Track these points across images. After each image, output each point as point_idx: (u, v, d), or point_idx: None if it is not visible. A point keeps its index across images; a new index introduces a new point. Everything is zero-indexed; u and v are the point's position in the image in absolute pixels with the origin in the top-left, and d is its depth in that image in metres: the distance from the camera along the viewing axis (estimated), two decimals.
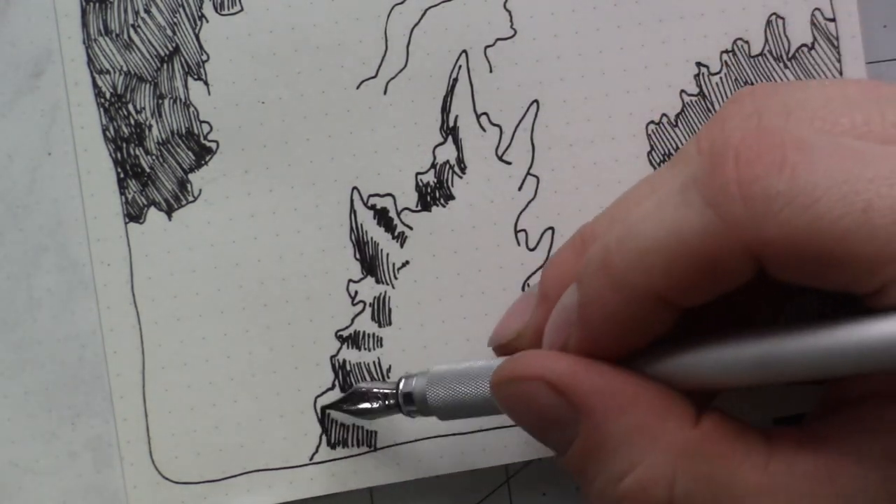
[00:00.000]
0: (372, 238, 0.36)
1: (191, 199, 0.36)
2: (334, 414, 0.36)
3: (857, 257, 0.23)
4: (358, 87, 0.37)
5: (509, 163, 0.36)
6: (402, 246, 0.36)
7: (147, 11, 0.36)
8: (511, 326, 0.32)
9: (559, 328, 0.29)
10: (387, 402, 0.33)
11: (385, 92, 0.37)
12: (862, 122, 0.26)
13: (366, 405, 0.34)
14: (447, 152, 0.36)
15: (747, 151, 0.24)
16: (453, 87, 0.37)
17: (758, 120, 0.27)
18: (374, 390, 0.34)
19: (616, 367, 0.27)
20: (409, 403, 0.32)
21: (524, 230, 0.36)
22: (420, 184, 0.36)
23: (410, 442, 0.36)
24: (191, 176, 0.36)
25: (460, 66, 0.37)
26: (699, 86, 0.37)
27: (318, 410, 0.36)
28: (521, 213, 0.36)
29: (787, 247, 0.23)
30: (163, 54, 0.36)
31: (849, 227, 0.23)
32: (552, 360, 0.28)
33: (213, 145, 0.36)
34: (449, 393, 0.31)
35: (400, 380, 0.33)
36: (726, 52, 0.37)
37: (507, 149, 0.37)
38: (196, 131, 0.36)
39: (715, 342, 0.26)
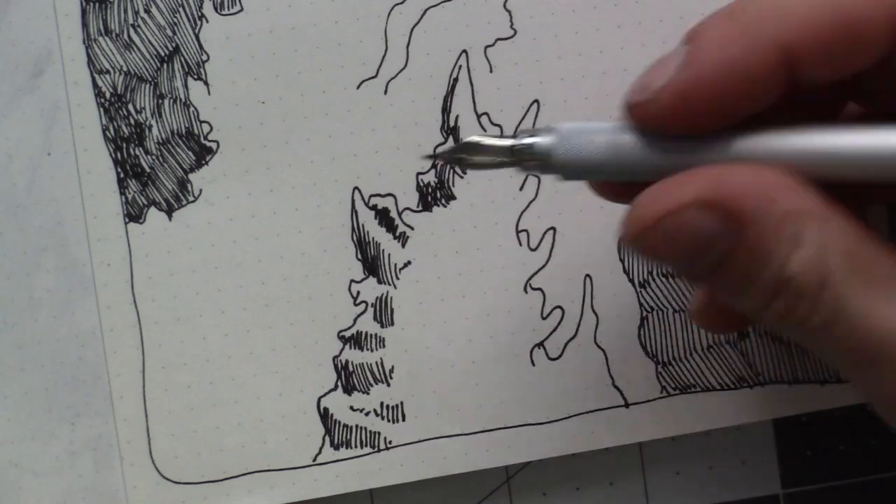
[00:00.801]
0: (373, 238, 0.36)
1: (191, 199, 0.36)
2: (342, 416, 0.36)
3: None
4: (358, 87, 0.37)
5: None
6: (403, 246, 0.36)
7: (147, 11, 0.36)
8: (653, 84, 0.27)
9: (660, 69, 0.27)
10: (506, 152, 0.28)
11: (385, 92, 0.37)
12: None
13: (482, 157, 0.29)
14: None
15: None
16: (454, 87, 0.37)
17: None
18: (489, 142, 0.29)
19: (747, 164, 0.26)
20: (530, 157, 0.28)
21: (526, 230, 0.36)
22: (421, 184, 0.36)
23: (412, 443, 0.36)
24: (191, 176, 0.36)
25: (460, 66, 0.37)
26: None
27: (322, 410, 0.36)
28: (522, 213, 0.36)
29: None
30: (163, 54, 0.36)
31: None
32: (691, 180, 0.26)
33: (214, 145, 0.36)
34: (580, 148, 0.28)
35: (518, 133, 0.28)
36: None
37: None
38: (196, 131, 0.36)
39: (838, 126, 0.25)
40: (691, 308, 0.33)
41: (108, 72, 0.36)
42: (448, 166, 0.36)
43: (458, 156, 0.29)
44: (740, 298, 0.27)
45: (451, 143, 0.36)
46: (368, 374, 0.36)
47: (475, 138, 0.29)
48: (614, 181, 0.29)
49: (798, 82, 0.25)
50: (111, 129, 0.36)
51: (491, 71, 0.37)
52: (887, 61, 0.25)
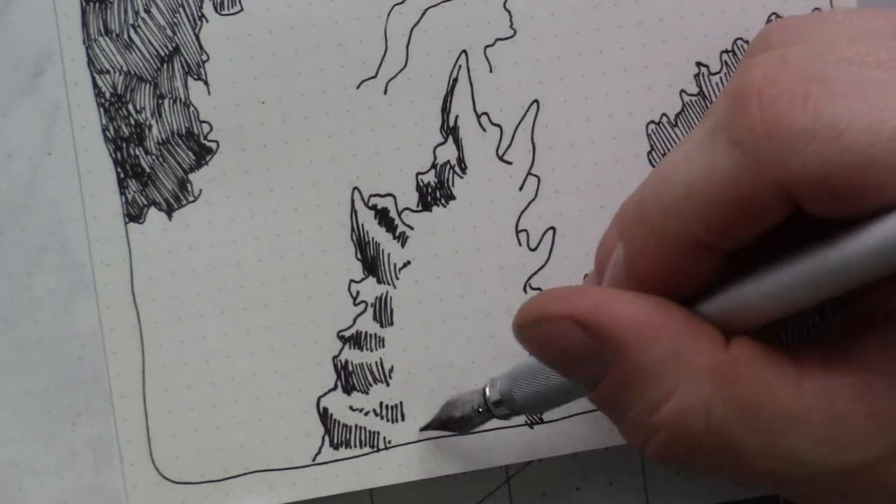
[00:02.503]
0: (373, 238, 0.36)
1: (191, 199, 0.36)
2: (341, 416, 0.36)
3: (887, 184, 0.23)
4: (358, 87, 0.37)
5: (510, 163, 0.37)
6: (403, 246, 0.36)
7: (147, 11, 0.36)
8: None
9: (613, 280, 0.29)
10: (479, 411, 0.33)
11: (385, 92, 0.37)
12: (888, 56, 0.25)
13: (461, 421, 0.34)
14: (448, 152, 0.36)
15: (770, 90, 0.24)
16: (453, 87, 0.37)
17: (782, 63, 0.27)
18: (466, 404, 0.34)
19: (640, 295, 0.27)
20: (500, 407, 0.33)
21: (525, 230, 0.36)
22: (421, 184, 0.36)
23: (412, 443, 0.36)
24: (191, 176, 0.36)
25: (460, 66, 0.37)
26: (699, 86, 0.37)
27: (322, 410, 0.36)
28: (522, 213, 0.36)
29: (816, 181, 0.23)
30: (163, 54, 0.36)
31: (876, 155, 0.23)
32: (576, 295, 0.28)
33: (213, 145, 0.36)
34: (531, 388, 0.31)
35: (485, 387, 0.33)
36: (726, 51, 0.37)
37: (507, 149, 0.37)
38: (196, 131, 0.36)
39: (755, 275, 0.26)
40: None
41: (108, 72, 0.36)
42: (448, 167, 0.36)
43: (442, 424, 0.35)
44: (618, 426, 0.28)
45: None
46: (368, 373, 0.36)
47: (451, 411, 0.34)
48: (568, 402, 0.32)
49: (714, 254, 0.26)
50: (111, 129, 0.36)
51: (491, 71, 0.37)
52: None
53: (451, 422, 0.34)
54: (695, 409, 0.26)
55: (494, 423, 0.36)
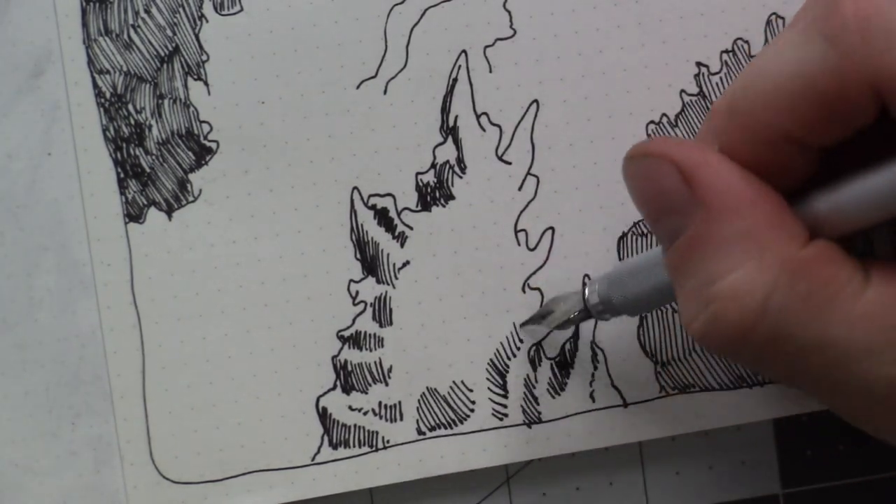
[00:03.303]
0: (372, 238, 0.36)
1: (191, 199, 0.36)
2: (340, 416, 0.36)
3: None
4: (358, 87, 0.37)
5: (509, 163, 0.37)
6: (402, 246, 0.36)
7: (147, 11, 0.36)
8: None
9: None
10: (577, 312, 0.34)
11: (385, 92, 0.37)
12: None
13: (563, 317, 0.34)
14: (447, 152, 0.36)
15: None
16: (453, 87, 0.37)
17: None
18: (566, 303, 0.34)
19: (744, 170, 0.27)
20: (598, 308, 0.33)
21: (524, 230, 0.36)
22: (420, 184, 0.36)
23: (411, 442, 0.36)
24: (191, 176, 0.36)
25: (460, 66, 0.37)
26: (699, 86, 0.37)
27: (321, 409, 0.36)
28: (521, 212, 0.36)
29: None
30: (163, 54, 0.36)
31: None
32: (686, 147, 0.27)
33: (213, 145, 0.36)
34: (629, 291, 0.31)
35: (584, 288, 0.33)
36: (726, 51, 0.37)
37: (507, 149, 0.37)
38: (196, 131, 0.36)
39: (848, 179, 0.26)
40: None
41: (108, 72, 0.36)
42: (448, 167, 0.36)
43: (542, 318, 0.35)
44: (677, 297, 0.28)
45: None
46: (367, 373, 0.36)
47: (548, 309, 0.35)
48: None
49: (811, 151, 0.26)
50: (111, 129, 0.36)
51: (490, 71, 0.37)
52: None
53: (549, 317, 0.35)
54: (754, 290, 0.26)
55: (493, 422, 0.36)
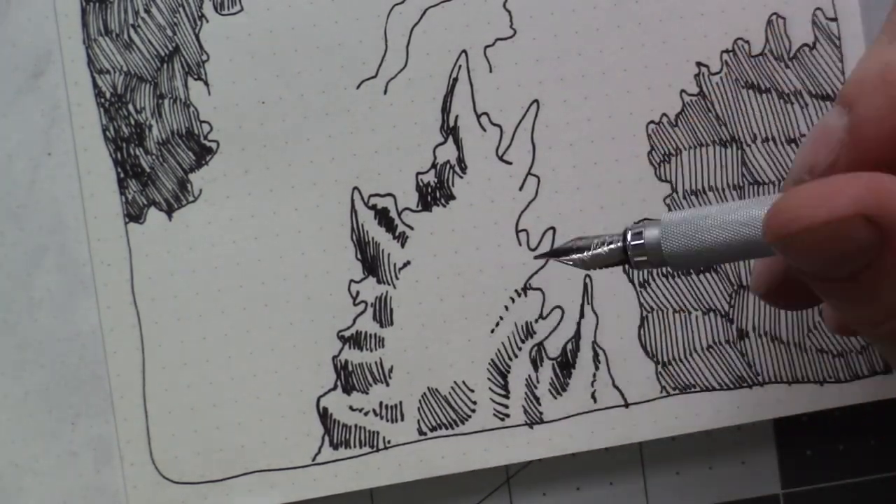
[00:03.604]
0: (373, 238, 0.36)
1: (191, 199, 0.36)
2: (341, 416, 0.36)
3: None
4: (358, 87, 0.37)
5: (510, 163, 0.36)
6: (403, 246, 0.36)
7: (147, 11, 0.36)
8: (818, 164, 0.26)
9: (823, 148, 0.26)
10: (612, 249, 0.30)
11: (385, 92, 0.37)
12: None
13: (593, 252, 0.30)
14: (448, 152, 0.36)
15: None
16: (453, 86, 0.37)
17: None
18: (597, 240, 0.30)
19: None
20: (638, 253, 0.29)
21: (525, 230, 0.36)
22: (421, 184, 0.36)
23: (412, 443, 0.36)
24: (191, 176, 0.36)
25: (460, 66, 0.37)
26: (699, 85, 0.37)
27: (322, 410, 0.36)
28: (522, 212, 0.36)
29: None
30: (163, 54, 0.36)
31: None
32: (854, 187, 0.23)
33: (214, 145, 0.36)
34: (687, 241, 0.28)
35: (626, 231, 0.29)
36: (727, 51, 0.37)
37: (507, 149, 0.37)
38: (196, 131, 0.36)
39: None
40: (756, 287, 0.31)
41: (108, 72, 0.36)
42: (448, 167, 0.36)
43: (570, 255, 0.31)
44: (858, 309, 0.25)
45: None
46: (368, 373, 0.36)
47: (586, 242, 0.30)
48: (720, 263, 0.30)
49: None
50: (111, 129, 0.36)
51: (491, 71, 0.37)
52: None
53: (576, 250, 0.31)
54: None
55: (494, 423, 0.36)
